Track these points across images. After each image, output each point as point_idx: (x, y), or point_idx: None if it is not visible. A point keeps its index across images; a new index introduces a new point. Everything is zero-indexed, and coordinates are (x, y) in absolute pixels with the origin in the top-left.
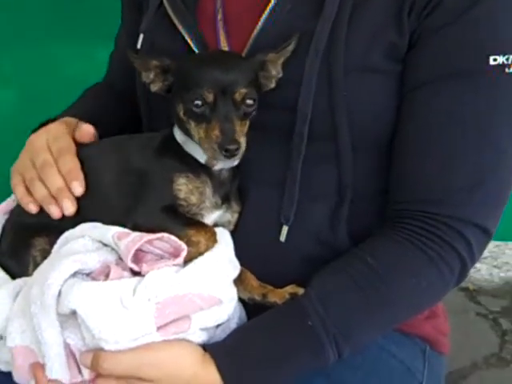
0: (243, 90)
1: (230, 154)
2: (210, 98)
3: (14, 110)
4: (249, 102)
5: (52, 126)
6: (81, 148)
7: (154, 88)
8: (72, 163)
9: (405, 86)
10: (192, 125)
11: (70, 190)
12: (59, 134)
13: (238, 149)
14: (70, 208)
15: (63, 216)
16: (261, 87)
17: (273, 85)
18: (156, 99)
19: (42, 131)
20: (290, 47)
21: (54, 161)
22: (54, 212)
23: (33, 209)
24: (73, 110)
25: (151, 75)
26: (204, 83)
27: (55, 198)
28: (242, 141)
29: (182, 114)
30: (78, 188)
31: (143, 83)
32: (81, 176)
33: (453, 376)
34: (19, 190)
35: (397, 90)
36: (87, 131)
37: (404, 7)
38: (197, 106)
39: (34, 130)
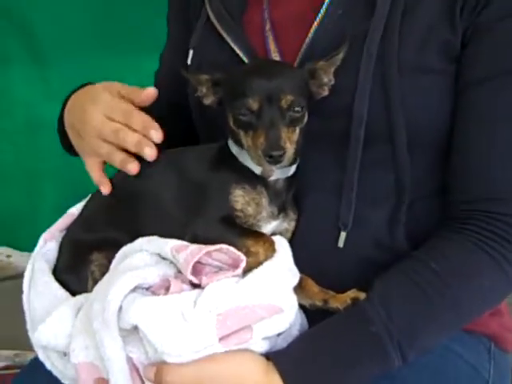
0: (289, 97)
1: (274, 161)
2: (255, 106)
3: None
4: (296, 108)
5: (101, 100)
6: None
7: (207, 102)
8: (142, 120)
9: (462, 83)
10: (241, 134)
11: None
12: (112, 103)
13: (282, 155)
14: (151, 152)
15: (120, 231)
16: (313, 95)
17: (326, 92)
18: (211, 113)
19: (92, 109)
20: (341, 55)
21: (121, 125)
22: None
23: (104, 190)
24: None
25: (204, 89)
26: (250, 91)
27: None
28: (288, 147)
29: (231, 123)
30: (156, 134)
31: (197, 98)
32: (155, 124)
33: None
34: (95, 173)
35: (452, 89)
36: (151, 94)
37: (456, 5)
38: (244, 114)
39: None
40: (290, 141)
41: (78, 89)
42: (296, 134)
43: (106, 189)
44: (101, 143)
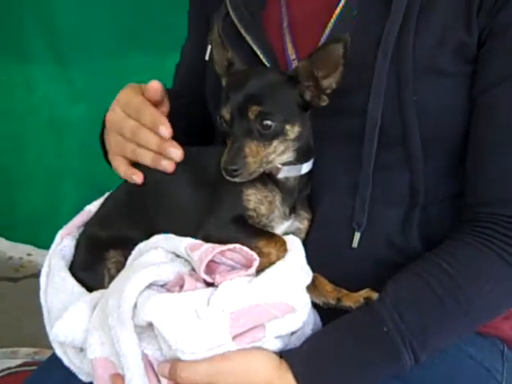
0: (255, 108)
1: (229, 174)
2: (227, 116)
3: (88, 123)
4: (266, 122)
5: (120, 97)
6: None
7: (218, 70)
8: (151, 114)
9: (477, 85)
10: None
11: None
12: (128, 98)
13: (236, 170)
14: (177, 153)
15: (136, 228)
16: (310, 104)
17: (324, 103)
18: None
19: (114, 105)
20: (331, 47)
21: (138, 123)
22: (167, 165)
23: (137, 179)
24: None
25: (221, 70)
26: (223, 103)
27: (161, 153)
28: (249, 161)
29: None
30: (165, 131)
31: (214, 91)
32: (164, 119)
33: None
34: (122, 168)
35: (467, 91)
36: (154, 88)
37: (472, 5)
38: (220, 124)
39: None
40: (254, 155)
41: None
42: (273, 146)
43: (138, 177)
44: (123, 142)
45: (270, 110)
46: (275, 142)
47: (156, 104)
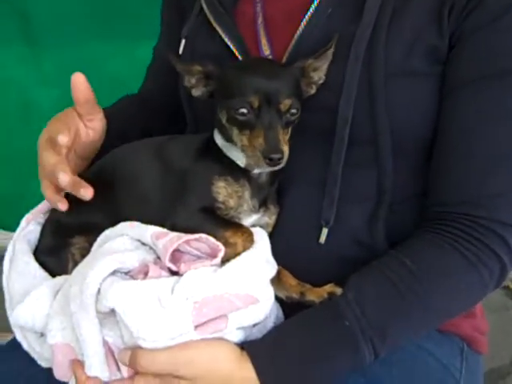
0: (288, 101)
1: (273, 163)
2: (256, 105)
3: (57, 108)
4: (293, 111)
5: (49, 127)
6: (121, 147)
7: (196, 93)
8: (53, 157)
9: (446, 86)
10: (235, 132)
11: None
12: (44, 153)
13: (281, 158)
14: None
15: (102, 215)
16: (302, 94)
17: (313, 91)
18: (199, 105)
19: (41, 149)
20: (330, 51)
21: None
22: (85, 194)
23: (62, 207)
24: None
25: (193, 80)
26: (250, 91)
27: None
28: (286, 149)
29: (224, 120)
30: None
31: (187, 89)
32: (66, 167)
33: (492, 375)
34: (47, 193)
35: (438, 92)
36: (77, 80)
37: (444, 9)
38: (242, 113)
39: None
40: (285, 143)
41: None
42: (289, 134)
43: (63, 206)
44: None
45: (296, 100)
46: (290, 129)
47: (88, 100)
